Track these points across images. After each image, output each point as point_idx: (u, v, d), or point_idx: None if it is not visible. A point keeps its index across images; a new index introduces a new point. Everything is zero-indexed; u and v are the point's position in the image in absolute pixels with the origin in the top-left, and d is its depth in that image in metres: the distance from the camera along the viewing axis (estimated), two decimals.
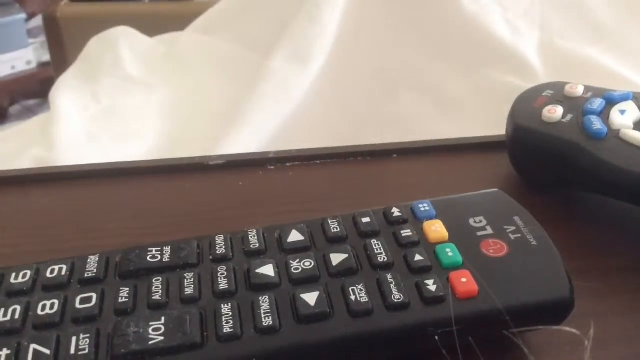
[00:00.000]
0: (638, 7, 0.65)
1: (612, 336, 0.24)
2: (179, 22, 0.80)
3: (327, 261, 0.23)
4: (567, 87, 0.33)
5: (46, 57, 1.83)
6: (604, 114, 0.31)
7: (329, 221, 0.25)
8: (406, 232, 0.24)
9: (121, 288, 0.22)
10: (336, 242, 0.24)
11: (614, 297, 0.26)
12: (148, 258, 0.23)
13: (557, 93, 0.33)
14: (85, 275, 0.22)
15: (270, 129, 0.55)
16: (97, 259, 0.23)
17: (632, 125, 0.30)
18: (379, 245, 0.23)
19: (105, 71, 0.64)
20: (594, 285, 0.26)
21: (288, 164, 0.35)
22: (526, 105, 0.33)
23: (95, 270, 0.23)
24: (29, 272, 0.22)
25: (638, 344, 0.24)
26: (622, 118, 0.30)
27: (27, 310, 0.21)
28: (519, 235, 0.24)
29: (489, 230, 0.24)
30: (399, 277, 0.22)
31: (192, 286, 0.22)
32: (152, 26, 0.81)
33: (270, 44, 0.62)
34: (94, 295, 0.21)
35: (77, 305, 0.21)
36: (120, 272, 0.22)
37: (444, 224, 0.24)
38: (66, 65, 0.75)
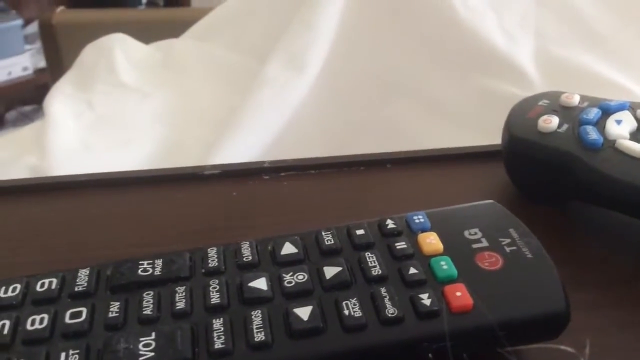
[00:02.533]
0: (633, 14, 0.65)
1: (609, 352, 0.23)
2: (176, 29, 0.80)
3: (320, 274, 0.22)
4: (563, 97, 0.33)
5: (43, 63, 1.83)
6: (600, 124, 0.31)
7: (323, 233, 0.24)
8: (400, 245, 0.24)
9: (112, 302, 0.21)
10: (330, 254, 0.24)
11: (611, 310, 0.25)
12: (139, 271, 0.23)
13: (553, 103, 0.33)
14: (76, 289, 0.22)
15: (266, 136, 0.55)
16: (88, 272, 0.23)
17: (628, 136, 0.30)
18: (373, 258, 0.23)
19: (99, 78, 0.64)
20: (590, 298, 0.26)
21: (282, 174, 0.35)
22: (521, 116, 0.33)
23: (85, 284, 0.22)
24: (18, 286, 0.22)
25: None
26: (618, 128, 0.30)
27: (16, 325, 0.21)
28: (514, 247, 0.24)
29: (484, 243, 0.24)
30: (393, 290, 0.22)
31: (184, 300, 0.21)
32: (148, 33, 0.81)
33: (267, 51, 0.62)
34: (84, 310, 0.21)
35: (67, 320, 0.21)
36: (111, 285, 0.22)
37: (439, 236, 0.24)
38: (62, 72, 0.75)
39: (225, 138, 0.52)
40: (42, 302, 0.22)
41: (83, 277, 0.23)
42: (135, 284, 0.22)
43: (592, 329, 0.24)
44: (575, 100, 0.33)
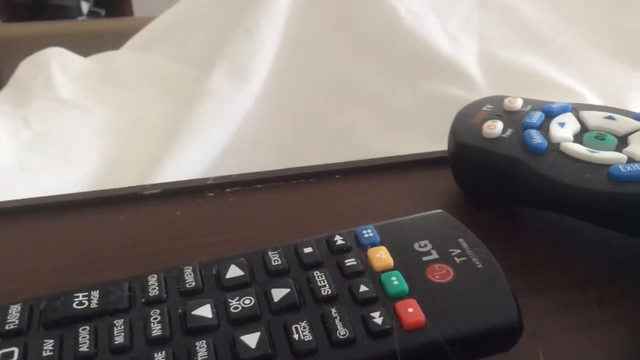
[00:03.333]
0: (573, 15, 0.66)
1: (564, 357, 0.23)
2: (119, 40, 0.79)
3: (268, 297, 0.22)
4: (506, 101, 0.33)
5: None
6: (544, 127, 0.31)
7: (270, 253, 0.24)
8: (350, 262, 0.23)
9: (45, 340, 0.20)
10: (277, 275, 0.23)
11: (563, 314, 0.25)
12: (74, 305, 0.21)
13: (496, 107, 0.33)
14: (7, 328, 0.21)
15: (212, 150, 0.53)
16: (20, 308, 0.21)
17: (572, 138, 0.30)
18: (322, 277, 0.22)
19: (37, 94, 0.61)
20: (541, 304, 0.26)
21: (228, 190, 0.34)
22: (466, 121, 0.32)
23: (17, 322, 0.21)
24: None
25: None
26: (562, 131, 0.30)
27: None
28: (464, 258, 0.23)
29: (434, 255, 0.23)
30: (344, 310, 0.21)
31: (123, 334, 0.20)
32: (90, 45, 0.78)
33: (210, 60, 0.61)
34: (16, 350, 0.20)
35: None
36: (45, 321, 0.21)
37: (389, 250, 0.23)
38: (0, 88, 0.72)
39: (169, 153, 0.50)
40: None
41: (14, 313, 0.21)
42: (70, 318, 0.21)
43: (545, 335, 0.24)
44: (519, 104, 0.33)
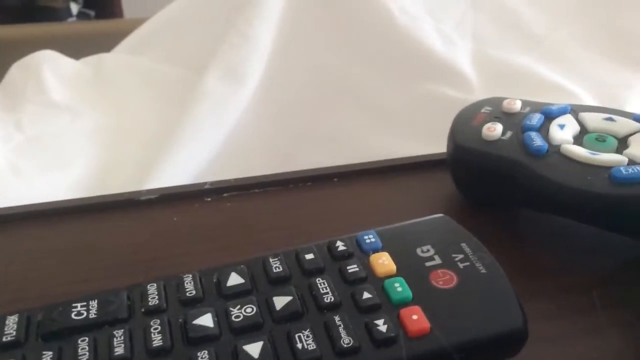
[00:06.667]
0: (567, 14, 0.66)
1: None
2: (109, 41, 0.78)
3: (270, 305, 0.21)
4: (505, 103, 0.33)
5: None
6: (544, 129, 0.31)
7: (271, 260, 0.23)
8: (352, 268, 0.23)
9: (44, 352, 0.20)
10: (279, 283, 0.22)
11: (566, 318, 0.25)
12: (73, 315, 0.21)
13: (495, 109, 0.33)
14: (4, 339, 0.20)
15: (206, 153, 0.53)
16: (17, 319, 0.21)
17: (572, 140, 0.30)
18: (324, 284, 0.22)
19: (28, 98, 0.60)
20: (545, 308, 0.25)
21: (225, 195, 0.33)
22: (465, 124, 0.32)
23: (14, 333, 0.20)
24: None
25: None
26: (562, 133, 0.30)
27: None
28: (468, 263, 0.23)
29: (437, 260, 0.23)
30: (347, 318, 0.21)
31: (123, 345, 0.20)
32: (80, 47, 0.78)
33: (203, 62, 0.60)
34: None
35: None
36: (43, 333, 0.20)
37: (391, 255, 0.23)
38: None
39: (163, 158, 0.50)
40: None
41: (11, 324, 0.21)
42: (68, 329, 0.20)
43: (550, 339, 0.24)
44: (517, 106, 0.33)
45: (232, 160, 0.53)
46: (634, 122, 0.31)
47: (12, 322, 0.21)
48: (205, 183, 0.34)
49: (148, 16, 0.77)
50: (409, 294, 0.21)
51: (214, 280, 0.22)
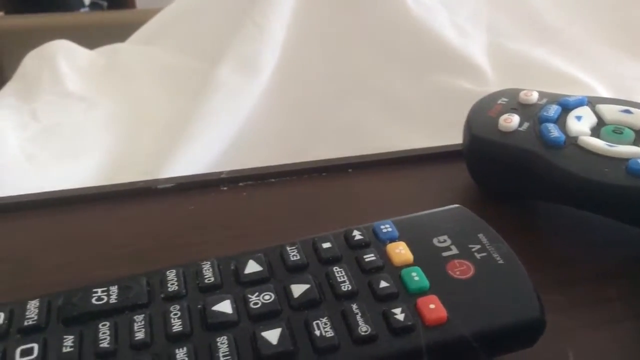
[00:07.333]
0: (583, 6, 0.66)
1: (587, 353, 0.23)
2: (122, 32, 0.78)
3: (288, 293, 0.21)
4: (522, 94, 0.33)
5: None
6: (561, 121, 0.31)
7: (288, 248, 0.23)
8: (369, 257, 0.23)
9: (65, 336, 0.20)
10: (296, 271, 0.22)
11: (581, 309, 0.25)
12: (93, 300, 0.21)
13: (512, 100, 0.33)
14: (26, 323, 0.20)
15: (220, 144, 0.53)
16: (38, 304, 0.21)
17: (589, 132, 0.30)
18: (341, 273, 0.22)
19: (43, 88, 0.61)
20: (562, 299, 0.25)
21: (241, 184, 0.34)
22: (482, 115, 0.32)
23: (36, 317, 0.21)
24: None
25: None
26: (579, 124, 0.30)
27: None
28: (485, 254, 0.23)
29: (454, 250, 0.23)
30: (365, 306, 0.21)
31: (143, 330, 0.20)
32: (92, 37, 0.78)
33: (217, 53, 0.60)
34: (36, 346, 0.20)
35: (18, 358, 0.19)
36: (64, 317, 0.21)
37: (408, 245, 0.23)
38: (4, 80, 0.71)
39: (178, 147, 0.50)
40: None
41: (33, 309, 0.21)
42: (89, 314, 0.21)
43: (568, 330, 0.24)
44: (534, 97, 0.33)
45: (245, 152, 0.53)
46: None
47: (33, 306, 0.21)
48: (221, 172, 0.34)
49: (160, 7, 0.78)
50: (426, 283, 0.22)
51: (232, 268, 0.23)
